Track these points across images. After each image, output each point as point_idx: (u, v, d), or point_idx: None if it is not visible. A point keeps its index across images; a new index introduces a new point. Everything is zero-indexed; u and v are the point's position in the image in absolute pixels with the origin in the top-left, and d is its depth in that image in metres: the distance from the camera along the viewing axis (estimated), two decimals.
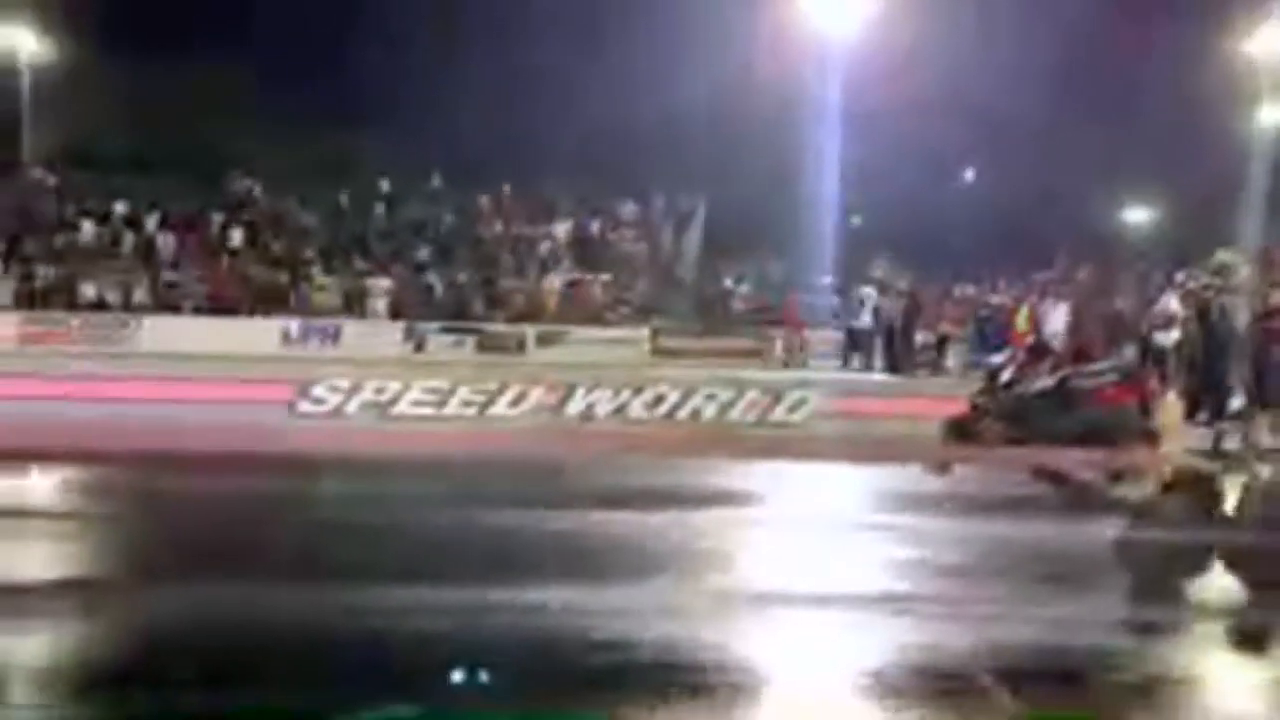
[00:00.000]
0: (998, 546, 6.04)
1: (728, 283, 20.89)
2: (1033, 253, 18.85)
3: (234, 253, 21.78)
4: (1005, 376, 8.68)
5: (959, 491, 7.49)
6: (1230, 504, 6.48)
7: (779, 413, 9.45)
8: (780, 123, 21.78)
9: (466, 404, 9.72)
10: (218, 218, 22.66)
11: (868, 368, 13.04)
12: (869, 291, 14.34)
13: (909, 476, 7.99)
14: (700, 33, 21.84)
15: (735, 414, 9.50)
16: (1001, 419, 8.60)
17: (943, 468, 7.46)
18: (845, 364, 14.14)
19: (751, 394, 9.61)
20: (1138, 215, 29.06)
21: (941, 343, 12.13)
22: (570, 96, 24.17)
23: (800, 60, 21.06)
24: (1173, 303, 10.37)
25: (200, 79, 24.70)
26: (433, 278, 19.87)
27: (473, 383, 9.95)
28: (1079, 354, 8.35)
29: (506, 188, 23.55)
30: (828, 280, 21.14)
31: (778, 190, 22.26)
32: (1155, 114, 22.74)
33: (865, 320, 13.98)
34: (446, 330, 17.05)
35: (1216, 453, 7.68)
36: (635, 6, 22.77)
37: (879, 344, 13.56)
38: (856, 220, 26.56)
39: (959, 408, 8.93)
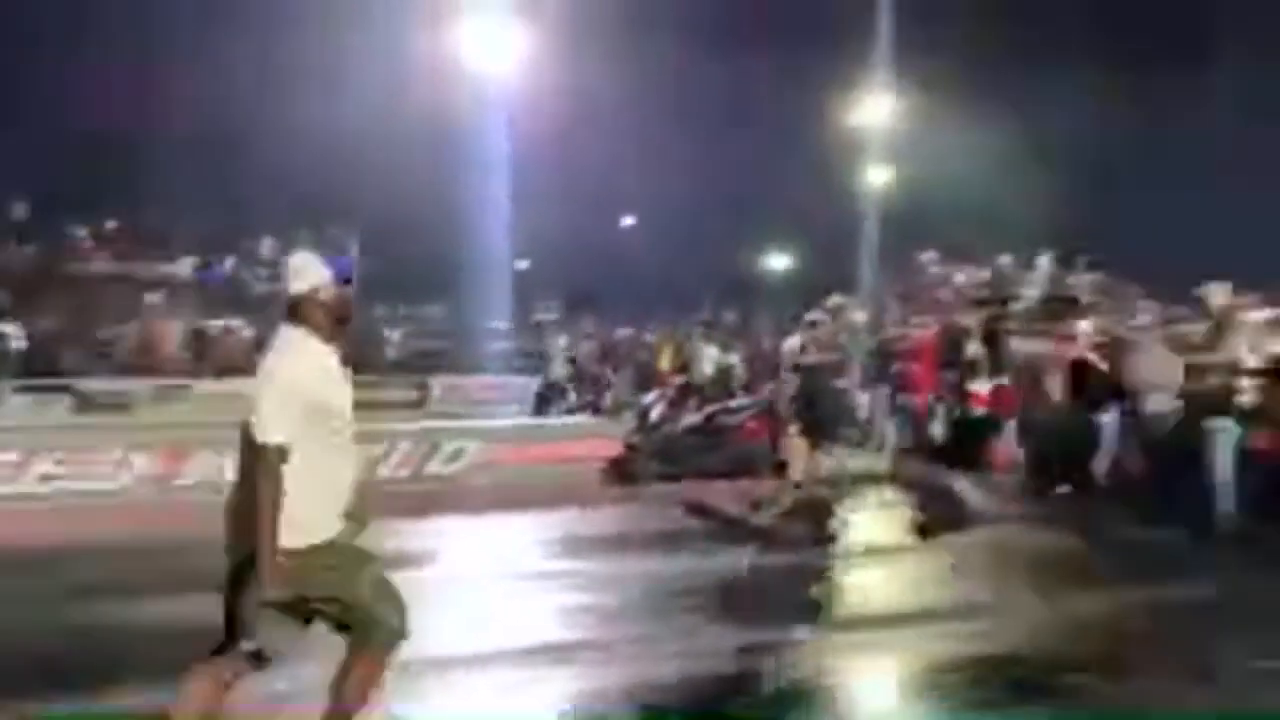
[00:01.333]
0: (653, 583, 6.41)
1: (386, 331, 20.32)
2: (686, 296, 20.71)
3: None
4: (655, 416, 9.49)
5: (618, 531, 7.96)
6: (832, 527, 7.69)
7: (434, 465, 9.36)
8: (441, 161, 21.83)
9: (47, 477, 8.43)
10: None
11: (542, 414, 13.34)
12: (562, 342, 14.72)
13: (570, 520, 8.32)
14: (352, 64, 21.33)
15: (388, 469, 9.24)
16: (654, 457, 9.39)
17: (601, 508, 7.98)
18: (540, 412, 14.13)
19: (404, 446, 9.42)
20: (779, 262, 33.08)
21: (600, 385, 12.82)
22: (203, 119, 22.35)
23: (461, 101, 21.27)
24: (799, 342, 11.93)
25: None
26: (11, 326, 17.05)
27: (59, 450, 8.67)
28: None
29: (112, 221, 21.05)
30: (502, 325, 21.38)
31: (441, 232, 22.22)
32: (792, 170, 26.20)
33: (559, 370, 14.27)
34: (28, 389, 14.69)
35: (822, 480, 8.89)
36: (281, 32, 21.66)
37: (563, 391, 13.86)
38: (523, 264, 27.33)
39: (618, 449, 9.59)
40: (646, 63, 24.73)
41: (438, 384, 15.55)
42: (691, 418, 9.51)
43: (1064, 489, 9.12)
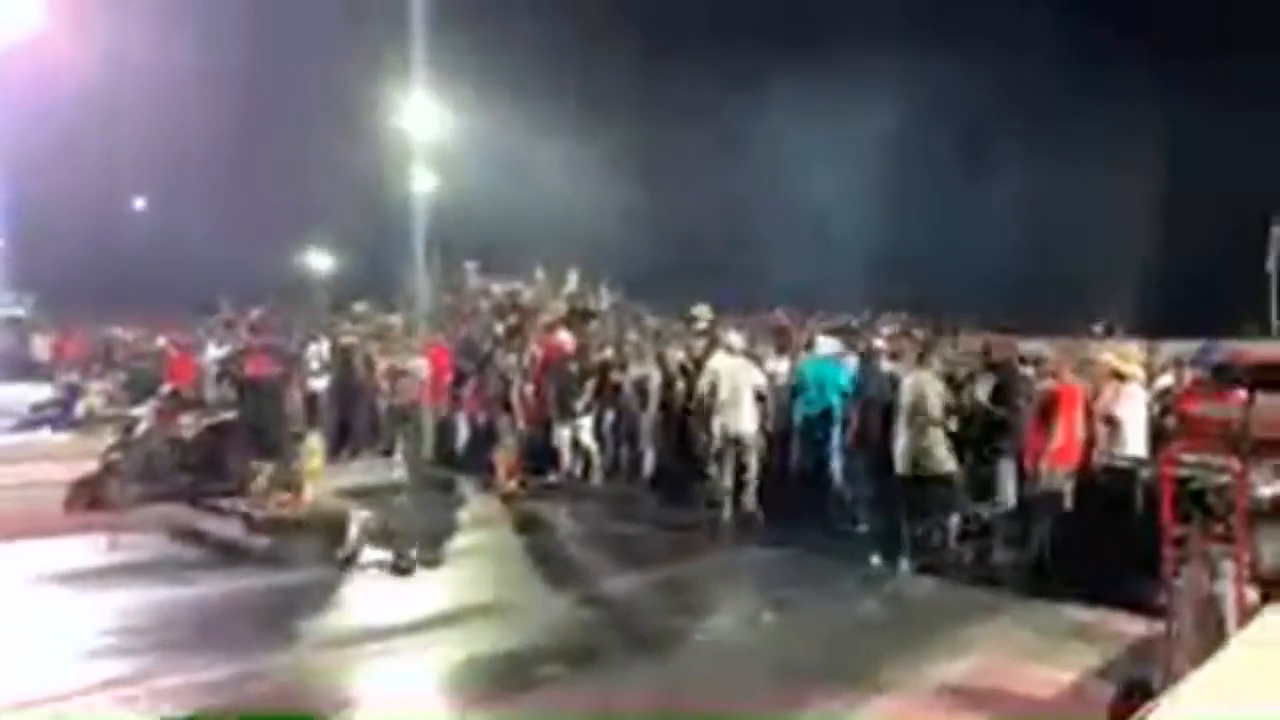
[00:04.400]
0: (136, 617, 5.89)
1: None
2: (205, 292, 18.82)
3: None
4: (140, 430, 8.40)
5: (90, 565, 6.96)
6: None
7: None
8: None
9: None
10: None
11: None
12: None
13: (26, 555, 7.10)
14: None
15: None
16: (139, 477, 8.32)
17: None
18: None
19: None
20: (323, 263, 31.68)
21: (74, 393, 10.91)
22: None
23: None
24: (324, 349, 11.55)
25: None
26: None
27: None
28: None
29: None
30: None
31: None
32: (336, 173, 25.25)
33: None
34: None
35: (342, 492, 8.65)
36: None
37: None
38: None
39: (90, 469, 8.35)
40: (184, 40, 22.46)
41: None
42: (185, 431, 8.60)
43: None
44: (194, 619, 5.95)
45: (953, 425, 7.30)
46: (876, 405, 8.07)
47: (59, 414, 10.42)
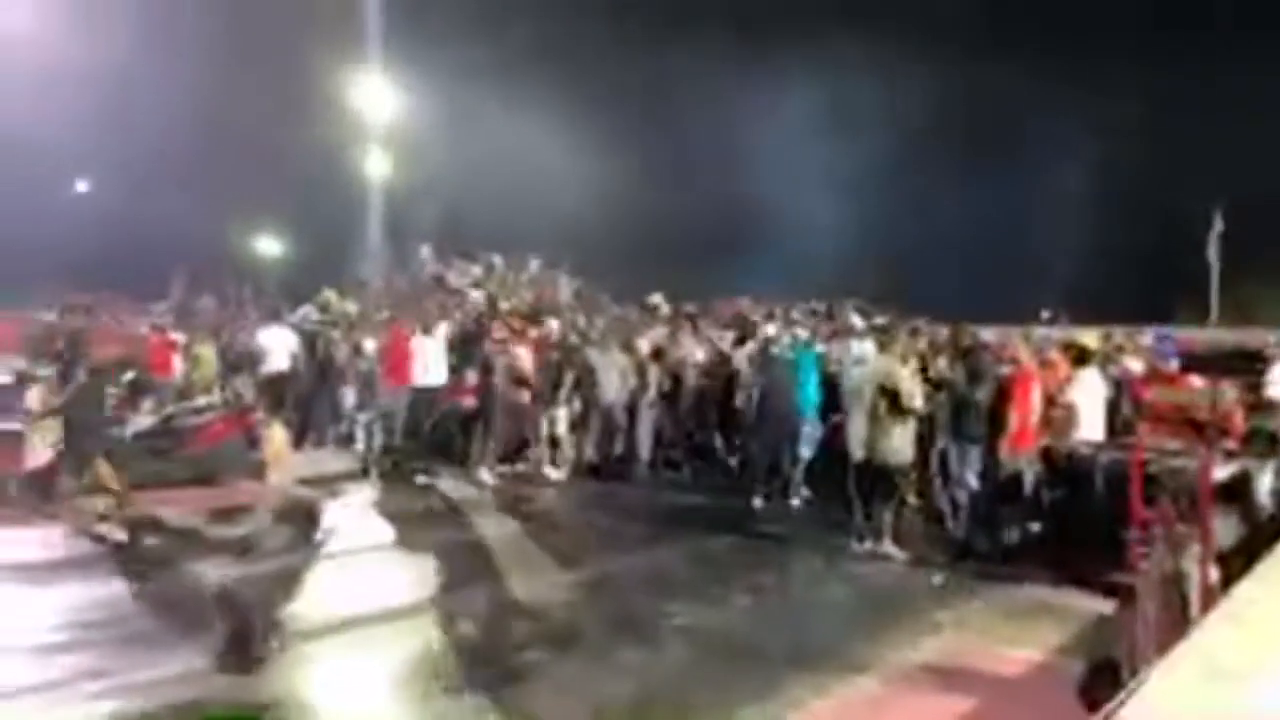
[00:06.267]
0: (90, 612, 5.70)
1: None
2: (157, 277, 18.27)
3: None
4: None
5: (37, 558, 6.77)
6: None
7: None
8: None
9: None
10: None
11: None
12: None
13: None
14: None
15: None
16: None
17: None
18: None
19: None
20: (272, 248, 30.94)
21: (21, 381, 10.45)
22: None
23: None
24: (285, 334, 11.24)
25: None
26: None
27: None
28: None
29: None
30: None
31: None
32: (285, 156, 24.61)
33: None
34: None
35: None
36: None
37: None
38: None
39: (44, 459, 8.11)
40: (126, 18, 21.67)
41: None
42: (144, 421, 8.40)
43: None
44: (158, 611, 5.80)
45: (919, 404, 7.34)
46: (778, 388, 8.91)
47: (13, 402, 9.98)
